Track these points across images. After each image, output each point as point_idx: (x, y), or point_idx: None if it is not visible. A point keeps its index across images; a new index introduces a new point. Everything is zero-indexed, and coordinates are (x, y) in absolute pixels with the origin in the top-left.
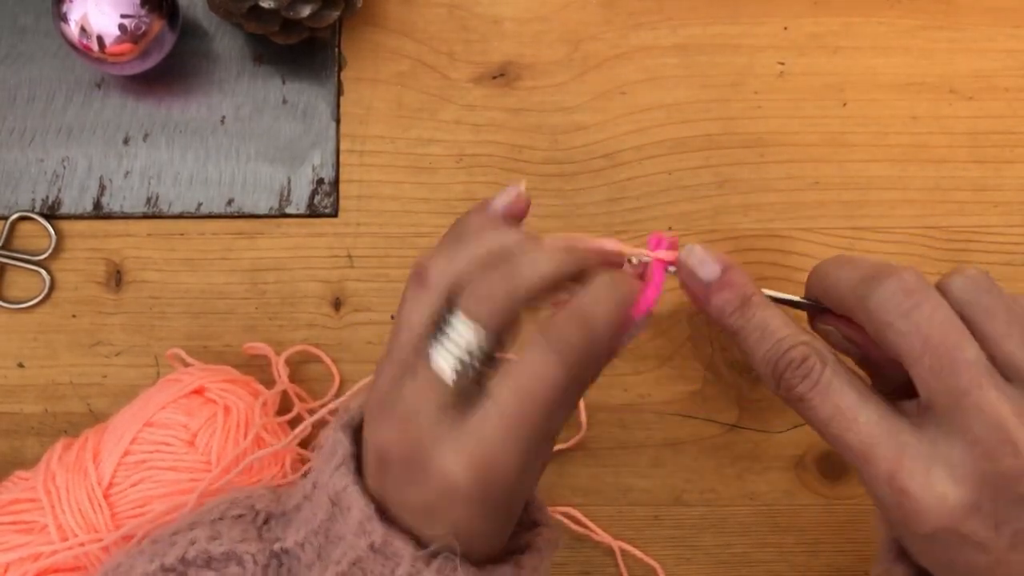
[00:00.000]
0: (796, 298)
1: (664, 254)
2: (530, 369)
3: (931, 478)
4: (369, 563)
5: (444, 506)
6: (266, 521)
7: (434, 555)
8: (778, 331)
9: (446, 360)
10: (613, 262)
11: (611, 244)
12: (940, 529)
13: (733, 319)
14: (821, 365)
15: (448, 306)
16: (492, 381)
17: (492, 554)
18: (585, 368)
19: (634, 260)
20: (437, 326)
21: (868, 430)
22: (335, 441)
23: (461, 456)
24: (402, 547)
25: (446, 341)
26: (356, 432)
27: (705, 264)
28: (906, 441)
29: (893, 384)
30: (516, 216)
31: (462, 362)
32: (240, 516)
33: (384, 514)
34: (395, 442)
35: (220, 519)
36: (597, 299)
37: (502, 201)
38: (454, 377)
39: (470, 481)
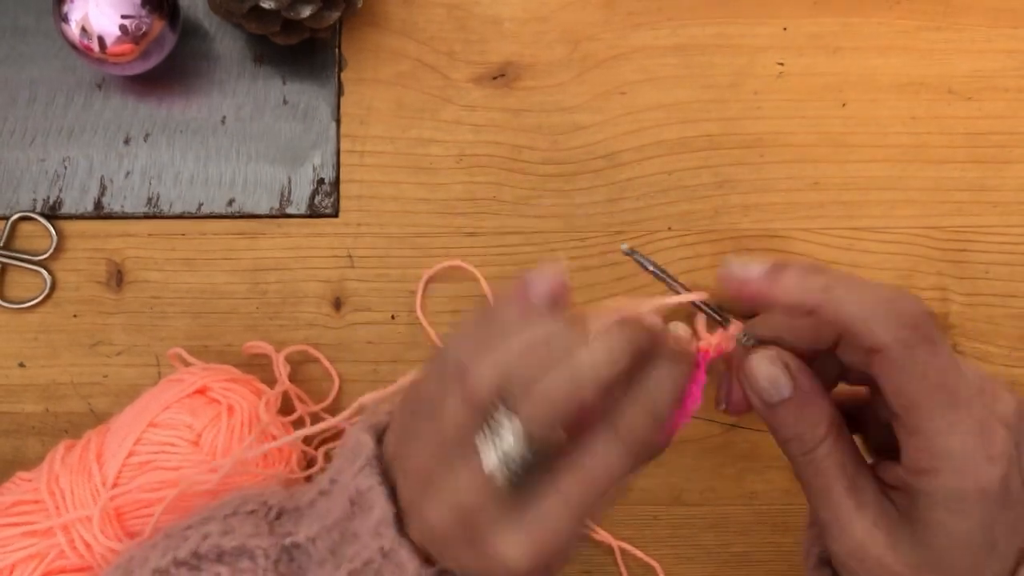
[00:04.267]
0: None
1: (716, 341)
2: (600, 463)
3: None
4: (380, 566)
5: None
6: (278, 516)
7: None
8: (876, 281)
9: (500, 459)
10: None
11: (654, 316)
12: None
13: (817, 279)
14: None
15: (497, 405)
16: (559, 472)
17: None
18: (648, 457)
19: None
20: (486, 426)
21: (975, 371)
22: (359, 442)
23: (524, 545)
24: (407, 560)
25: (499, 442)
26: (380, 435)
27: (750, 266)
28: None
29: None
30: (558, 302)
31: (517, 462)
32: (252, 512)
33: (401, 523)
34: (447, 524)
35: (233, 514)
36: (662, 388)
37: (543, 286)
38: (507, 476)
39: (530, 566)
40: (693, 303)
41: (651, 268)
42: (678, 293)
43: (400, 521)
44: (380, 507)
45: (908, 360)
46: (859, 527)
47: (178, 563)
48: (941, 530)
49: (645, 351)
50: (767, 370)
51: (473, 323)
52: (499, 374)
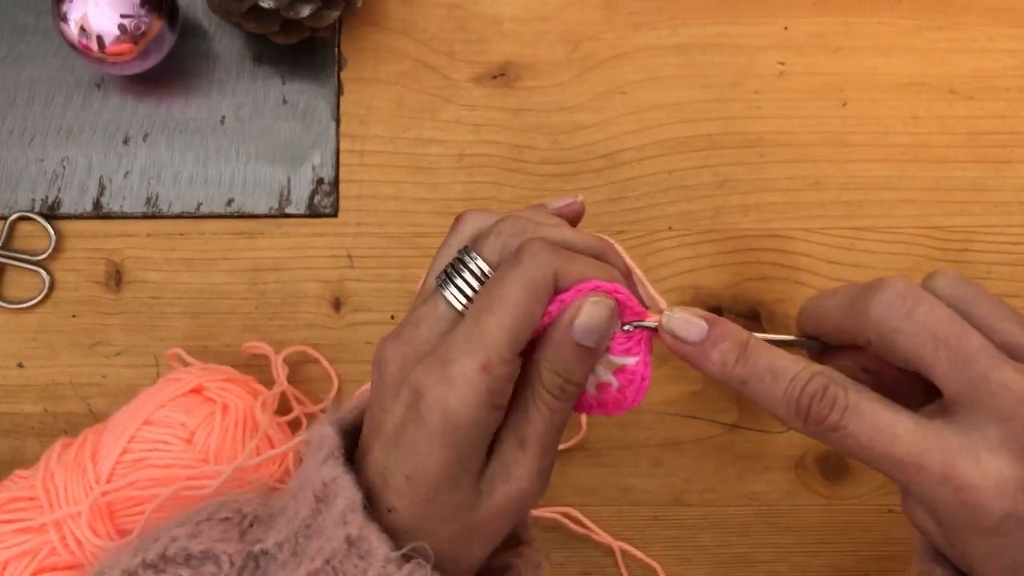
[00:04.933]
0: (790, 337)
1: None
2: (500, 283)
3: (984, 465)
4: (343, 560)
5: (414, 433)
6: (251, 524)
7: (407, 559)
8: (788, 368)
9: (456, 291)
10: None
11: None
12: (1006, 517)
13: (737, 370)
14: (843, 390)
15: (468, 247)
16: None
17: (469, 571)
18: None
19: (627, 328)
20: (452, 264)
21: (911, 439)
22: (322, 435)
23: (476, 361)
24: (376, 545)
25: (458, 276)
26: (349, 434)
27: (690, 325)
28: (948, 439)
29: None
30: (566, 217)
31: (470, 288)
32: (226, 518)
33: (368, 510)
34: (397, 357)
35: (207, 519)
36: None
37: (556, 202)
38: (461, 302)
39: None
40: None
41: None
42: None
43: (368, 508)
44: (345, 495)
45: (830, 444)
46: (910, 507)
47: (146, 565)
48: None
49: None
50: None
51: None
52: (482, 224)
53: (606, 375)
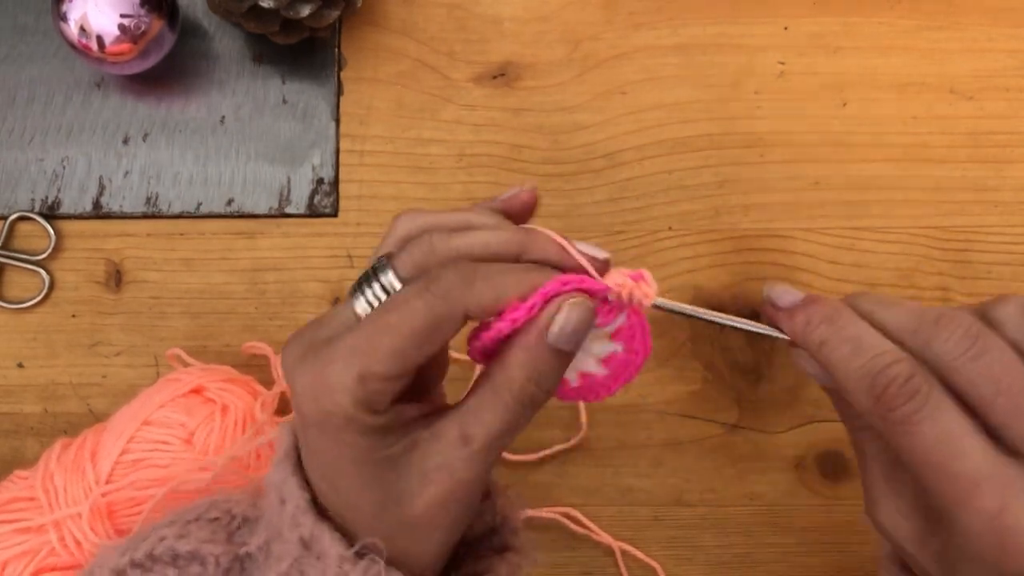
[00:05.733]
0: (774, 332)
1: (639, 290)
2: (406, 305)
3: None
4: (301, 561)
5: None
6: (239, 526)
7: (360, 556)
8: (876, 345)
9: (367, 301)
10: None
11: (587, 260)
12: None
13: (821, 330)
14: (928, 386)
15: (383, 258)
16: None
17: (429, 568)
18: (448, 322)
19: (612, 297)
20: (366, 272)
21: (977, 459)
22: (279, 439)
23: (351, 360)
24: (329, 545)
25: (367, 286)
26: None
27: (788, 294)
28: (1012, 475)
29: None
30: (512, 211)
31: (375, 295)
32: (215, 519)
33: (319, 511)
34: (295, 351)
35: (196, 520)
36: (513, 273)
37: (503, 195)
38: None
39: (355, 386)
40: (734, 327)
41: (688, 313)
42: (721, 325)
43: (319, 509)
44: (294, 497)
45: (889, 434)
46: (886, 511)
47: (134, 564)
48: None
49: (543, 260)
50: (806, 360)
51: None
52: (412, 229)
53: (590, 364)
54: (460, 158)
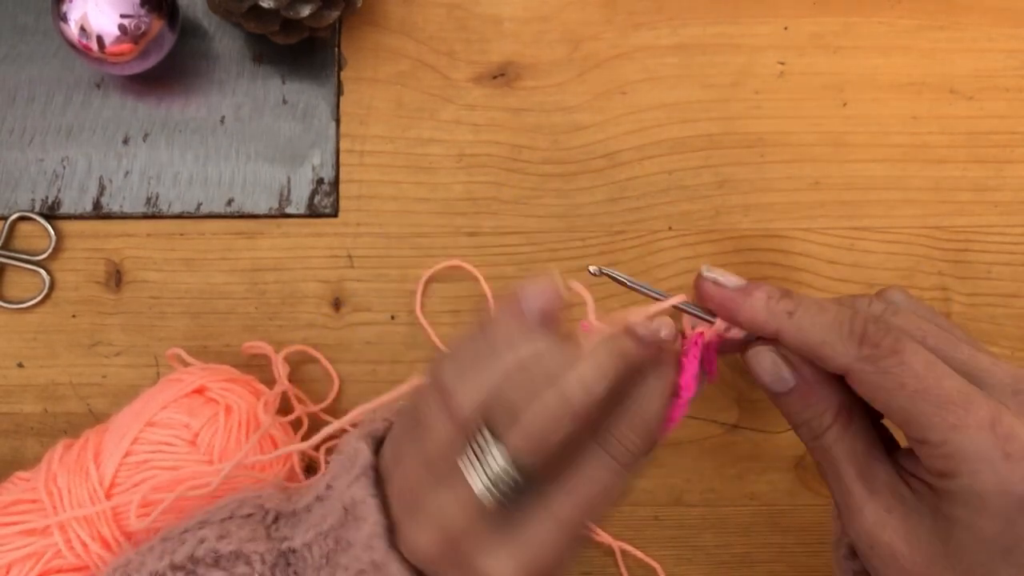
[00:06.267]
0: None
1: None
2: (594, 483)
3: None
4: None
5: None
6: (275, 520)
7: None
8: (836, 303)
9: (487, 483)
10: (648, 338)
11: (646, 324)
12: None
13: (783, 303)
14: (893, 326)
15: (482, 428)
16: (551, 493)
17: None
18: (641, 467)
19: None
20: (472, 448)
21: (959, 379)
22: (356, 450)
23: (513, 564)
24: (397, 573)
25: (484, 467)
26: (377, 443)
27: (727, 276)
28: (986, 394)
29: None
30: (552, 318)
31: (502, 487)
32: (249, 515)
33: (393, 535)
34: (434, 546)
35: (230, 518)
36: (651, 400)
37: (535, 300)
38: (495, 498)
39: None
40: (676, 306)
41: (626, 282)
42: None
43: (392, 533)
44: (372, 520)
45: (878, 376)
46: (869, 513)
47: (175, 567)
48: (961, 527)
49: (633, 364)
50: (768, 363)
51: (463, 341)
52: (485, 397)
53: None
54: (460, 158)
